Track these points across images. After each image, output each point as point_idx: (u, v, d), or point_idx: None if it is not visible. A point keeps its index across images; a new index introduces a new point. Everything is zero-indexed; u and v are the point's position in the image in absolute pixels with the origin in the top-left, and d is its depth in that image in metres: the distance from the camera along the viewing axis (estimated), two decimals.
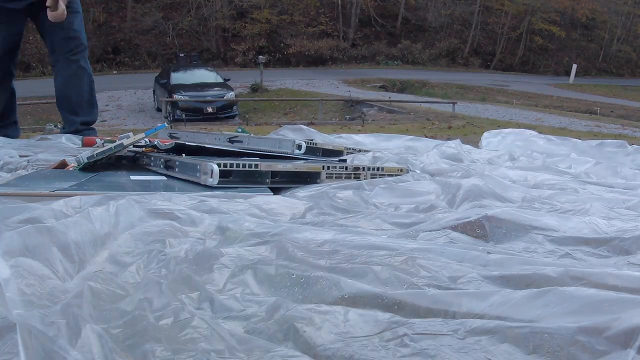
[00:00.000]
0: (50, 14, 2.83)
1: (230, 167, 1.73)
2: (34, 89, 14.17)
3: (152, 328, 0.75)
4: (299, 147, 2.22)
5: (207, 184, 1.70)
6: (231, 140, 2.41)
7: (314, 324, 0.77)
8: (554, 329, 0.67)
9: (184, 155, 2.13)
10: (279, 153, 2.25)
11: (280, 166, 1.83)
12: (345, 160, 2.41)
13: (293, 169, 1.86)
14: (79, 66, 3.26)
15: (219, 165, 1.70)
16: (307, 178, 1.88)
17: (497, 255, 1.01)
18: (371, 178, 1.98)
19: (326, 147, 2.40)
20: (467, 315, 0.76)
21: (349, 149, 2.56)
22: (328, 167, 1.93)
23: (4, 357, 0.65)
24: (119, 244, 1.13)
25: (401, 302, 0.81)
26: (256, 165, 1.78)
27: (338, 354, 0.70)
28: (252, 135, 2.85)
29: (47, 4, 2.80)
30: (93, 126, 3.50)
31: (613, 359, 0.61)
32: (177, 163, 1.90)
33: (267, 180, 1.80)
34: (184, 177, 1.85)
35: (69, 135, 3.18)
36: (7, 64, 3.20)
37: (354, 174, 1.99)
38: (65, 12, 2.88)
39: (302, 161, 2.03)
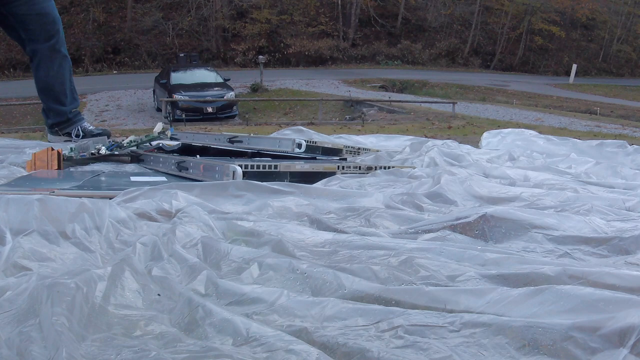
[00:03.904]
0: None
1: (251, 168, 1.75)
2: (34, 90, 14.12)
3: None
4: (299, 145, 2.23)
5: None
6: (231, 141, 2.42)
7: (313, 315, 0.78)
8: (549, 325, 0.67)
9: (198, 156, 2.13)
10: (283, 152, 2.26)
11: (298, 167, 1.86)
12: (346, 159, 2.43)
13: (310, 169, 1.89)
14: (62, 55, 3.20)
15: (240, 166, 1.72)
16: (322, 178, 1.89)
17: (495, 254, 1.01)
18: None
19: (325, 146, 2.42)
20: (464, 313, 0.77)
21: (348, 147, 2.58)
22: (343, 167, 1.96)
23: None
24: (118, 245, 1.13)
25: (399, 299, 0.82)
26: (275, 166, 1.80)
27: (333, 341, 0.70)
28: (252, 134, 2.86)
29: None
30: (102, 129, 3.44)
31: (606, 357, 0.61)
32: (191, 164, 1.91)
33: (285, 180, 1.82)
34: (199, 179, 1.84)
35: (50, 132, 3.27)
36: None
37: (367, 173, 2.01)
38: None
39: (318, 162, 2.05)
